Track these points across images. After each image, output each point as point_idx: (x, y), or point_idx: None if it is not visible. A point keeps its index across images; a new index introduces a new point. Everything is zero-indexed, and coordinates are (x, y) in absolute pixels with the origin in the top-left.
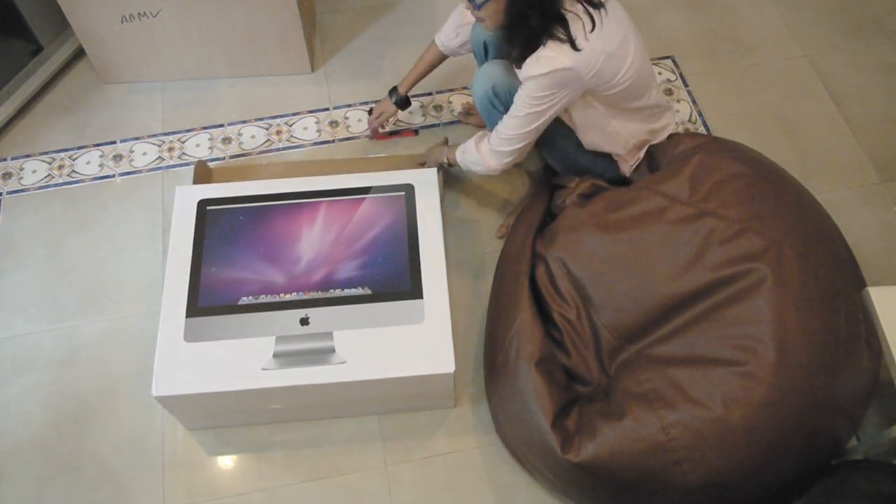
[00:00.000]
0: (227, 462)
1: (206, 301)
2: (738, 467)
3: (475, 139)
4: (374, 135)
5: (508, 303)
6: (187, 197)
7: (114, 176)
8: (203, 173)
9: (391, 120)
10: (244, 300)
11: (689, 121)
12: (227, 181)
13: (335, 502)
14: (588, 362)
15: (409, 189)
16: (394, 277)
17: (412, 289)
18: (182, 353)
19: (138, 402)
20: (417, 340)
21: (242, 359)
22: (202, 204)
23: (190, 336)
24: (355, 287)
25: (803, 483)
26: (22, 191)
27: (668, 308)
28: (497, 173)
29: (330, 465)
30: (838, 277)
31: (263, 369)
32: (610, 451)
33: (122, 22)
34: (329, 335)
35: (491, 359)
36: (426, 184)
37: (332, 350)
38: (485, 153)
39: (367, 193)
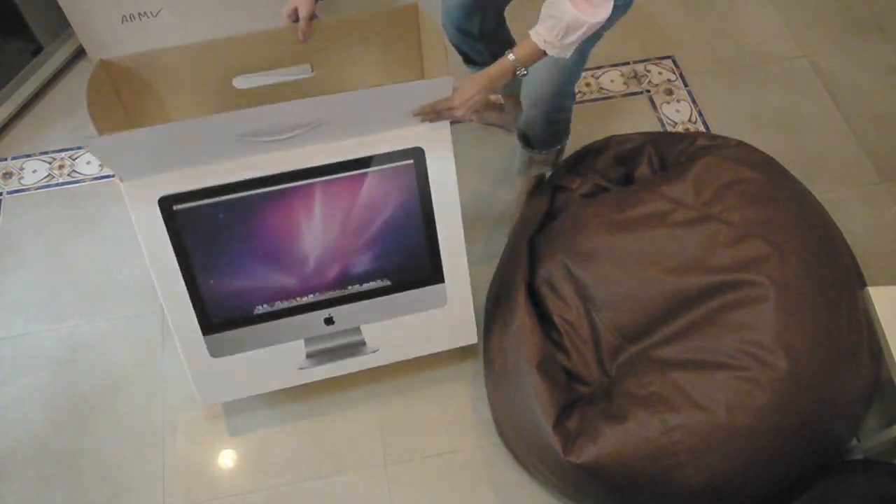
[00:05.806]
0: (227, 462)
1: (218, 316)
2: (740, 470)
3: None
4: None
5: (507, 304)
6: (141, 196)
7: (114, 176)
8: (103, 83)
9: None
10: (259, 309)
11: (689, 121)
12: (141, 81)
13: (335, 502)
14: (588, 362)
15: (418, 154)
16: (412, 264)
17: (432, 273)
18: (214, 368)
19: (138, 402)
20: (442, 321)
21: (277, 363)
22: (166, 203)
23: (215, 352)
24: (374, 280)
25: (803, 484)
26: (22, 190)
27: (670, 309)
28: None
29: (330, 465)
30: (841, 282)
31: (300, 369)
32: (612, 453)
33: (122, 22)
34: (357, 330)
35: (491, 360)
36: (437, 143)
37: (363, 342)
38: (584, 8)
39: (368, 166)
